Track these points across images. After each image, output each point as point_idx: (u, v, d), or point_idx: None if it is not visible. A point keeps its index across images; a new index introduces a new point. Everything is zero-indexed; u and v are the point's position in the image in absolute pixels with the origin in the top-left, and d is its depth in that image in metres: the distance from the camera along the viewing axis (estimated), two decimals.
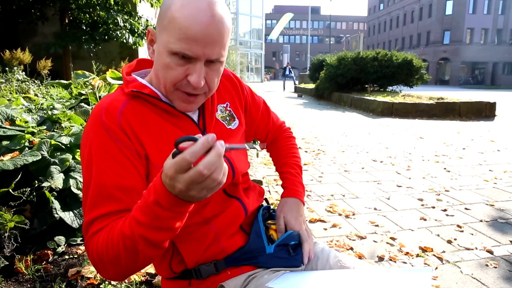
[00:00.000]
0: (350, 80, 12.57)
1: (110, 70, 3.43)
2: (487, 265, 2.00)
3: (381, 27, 63.44)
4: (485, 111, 9.21)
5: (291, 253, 0.97)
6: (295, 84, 21.65)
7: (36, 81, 3.77)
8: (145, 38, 6.93)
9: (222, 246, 0.91)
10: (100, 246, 0.69)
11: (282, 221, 1.02)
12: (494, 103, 9.37)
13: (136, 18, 6.99)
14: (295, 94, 17.50)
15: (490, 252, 2.16)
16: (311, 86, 16.53)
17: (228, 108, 1.00)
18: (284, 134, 1.21)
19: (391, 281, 0.86)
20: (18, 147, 1.97)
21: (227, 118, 0.98)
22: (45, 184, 1.84)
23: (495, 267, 1.98)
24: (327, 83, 13.25)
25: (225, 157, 0.89)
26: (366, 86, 12.86)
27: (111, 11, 6.27)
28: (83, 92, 3.11)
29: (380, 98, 10.04)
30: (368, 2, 70.74)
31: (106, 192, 0.74)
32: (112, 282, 1.62)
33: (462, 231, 2.46)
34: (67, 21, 6.88)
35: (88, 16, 7.02)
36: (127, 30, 6.64)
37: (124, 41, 6.49)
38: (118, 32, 6.42)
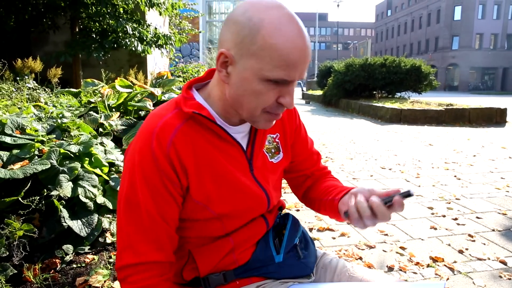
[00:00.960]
0: (358, 86, 12.53)
1: (118, 78, 3.46)
2: (500, 277, 1.96)
3: (389, 33, 63.31)
4: (495, 117, 9.09)
5: (300, 257, 0.96)
6: (302, 90, 21.65)
7: (46, 90, 3.82)
8: (153, 46, 7.03)
9: (236, 257, 0.91)
10: None
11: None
12: (505, 109, 9.24)
13: (145, 26, 7.07)
14: (303, 101, 17.49)
15: (504, 262, 2.11)
16: (319, 92, 16.51)
17: (277, 140, 0.98)
18: (329, 177, 1.11)
19: None
20: (28, 156, 1.99)
21: (272, 150, 0.97)
22: (54, 192, 1.85)
23: (510, 279, 1.93)
24: (335, 90, 13.22)
25: (261, 187, 0.91)
26: (374, 92, 12.80)
27: (120, 19, 6.35)
28: (92, 100, 3.14)
29: (388, 104, 9.97)
30: (375, 8, 70.76)
31: (151, 217, 0.78)
32: None
33: (474, 241, 2.41)
34: (77, 29, 6.99)
35: (98, 24, 7.12)
36: (136, 38, 6.71)
37: (133, 49, 6.57)
38: (127, 40, 6.49)
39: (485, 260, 2.15)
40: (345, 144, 6.05)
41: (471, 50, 44.26)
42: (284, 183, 1.20)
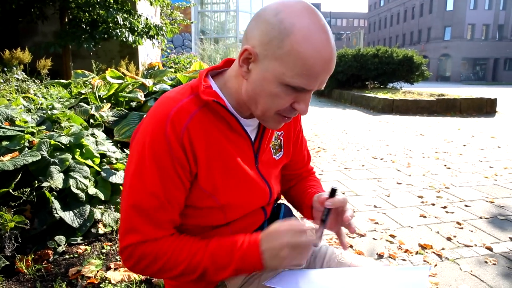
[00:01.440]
0: (350, 77, 12.55)
1: (109, 69, 3.43)
2: (486, 262, 2.01)
3: (382, 24, 63.22)
4: (486, 108, 9.19)
5: None
6: None
7: (36, 81, 3.77)
8: (144, 36, 6.95)
9: None
10: (160, 253, 0.79)
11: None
12: (495, 100, 9.34)
13: (136, 16, 6.98)
14: None
15: (490, 249, 2.16)
16: None
17: (281, 138, 1.00)
18: (310, 178, 1.15)
19: (389, 279, 0.86)
20: (18, 148, 1.97)
21: (276, 147, 0.99)
22: (45, 184, 1.85)
23: (494, 264, 1.98)
24: (328, 80, 13.18)
25: (265, 181, 0.94)
26: (367, 83, 12.84)
27: (111, 9, 6.25)
28: (83, 91, 3.11)
29: (380, 95, 10.02)
30: None
31: (158, 200, 0.78)
32: (112, 281, 1.63)
33: (462, 228, 2.46)
34: (66, 20, 6.87)
35: (87, 15, 7.01)
36: (127, 29, 6.63)
37: (124, 39, 6.49)
38: (118, 31, 6.41)
39: (472, 246, 2.20)
40: (337, 134, 6.09)
41: (463, 41, 44.43)
42: None
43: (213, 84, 0.86)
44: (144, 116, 0.83)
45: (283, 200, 1.16)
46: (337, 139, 5.67)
